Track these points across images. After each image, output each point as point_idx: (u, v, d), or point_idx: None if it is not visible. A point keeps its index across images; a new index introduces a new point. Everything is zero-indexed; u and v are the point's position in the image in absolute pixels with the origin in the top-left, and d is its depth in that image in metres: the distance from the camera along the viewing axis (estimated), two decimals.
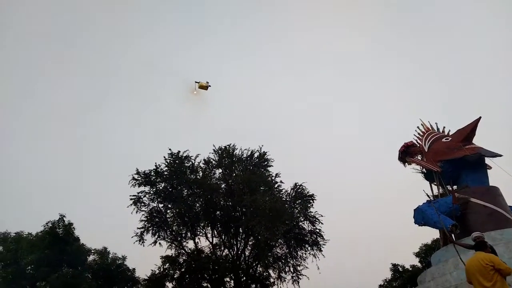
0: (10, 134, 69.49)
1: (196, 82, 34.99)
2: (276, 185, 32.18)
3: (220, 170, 32.24)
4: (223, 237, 31.40)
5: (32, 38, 70.72)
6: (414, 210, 15.20)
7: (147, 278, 31.45)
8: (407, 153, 17.60)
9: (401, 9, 76.12)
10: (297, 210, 31.32)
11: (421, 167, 17.09)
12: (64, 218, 33.86)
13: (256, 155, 32.84)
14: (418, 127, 18.51)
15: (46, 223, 32.85)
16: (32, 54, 72.71)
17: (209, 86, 34.96)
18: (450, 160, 15.69)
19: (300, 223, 31.26)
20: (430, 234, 34.92)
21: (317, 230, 31.01)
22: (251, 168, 32.27)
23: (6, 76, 71.42)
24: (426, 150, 17.13)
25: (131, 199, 30.21)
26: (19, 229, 35.62)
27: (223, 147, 32.73)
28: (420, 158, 17.36)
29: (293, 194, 31.83)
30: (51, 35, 73.15)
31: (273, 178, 32.41)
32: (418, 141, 18.01)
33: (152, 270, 30.96)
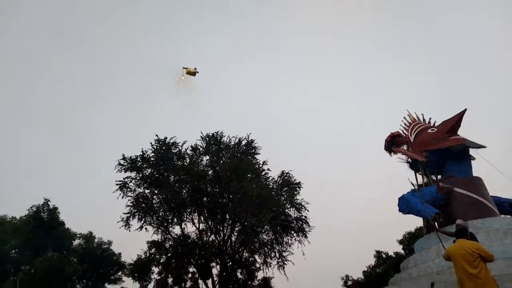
0: None
1: (183, 68, 34.62)
2: (263, 173, 32.34)
3: (208, 157, 32.17)
4: (210, 223, 31.54)
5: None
6: (399, 198, 15.49)
7: (132, 262, 31.53)
8: (393, 143, 17.82)
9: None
10: (283, 198, 31.57)
11: (407, 157, 17.35)
12: (49, 203, 33.73)
13: (243, 142, 32.86)
14: (404, 118, 18.74)
15: (31, 207, 32.72)
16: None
17: (197, 72, 34.61)
18: (435, 150, 15.97)
19: (287, 210, 31.56)
20: (414, 222, 35.64)
21: (303, 217, 31.39)
22: (239, 155, 32.31)
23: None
24: (412, 140, 17.38)
25: (117, 184, 30.01)
26: (3, 213, 35.26)
27: (211, 134, 32.63)
28: (406, 148, 17.61)
29: (280, 181, 32.05)
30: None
31: (260, 165, 32.53)
32: (404, 131, 18.24)
33: (138, 255, 31.02)
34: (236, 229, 31.18)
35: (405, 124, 18.57)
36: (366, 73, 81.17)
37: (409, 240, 36.27)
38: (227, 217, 30.67)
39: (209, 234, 31.84)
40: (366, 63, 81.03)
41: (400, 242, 38.66)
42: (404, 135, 18.06)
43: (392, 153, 18.09)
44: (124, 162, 30.28)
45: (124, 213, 29.90)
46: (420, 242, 15.83)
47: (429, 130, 17.00)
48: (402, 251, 37.83)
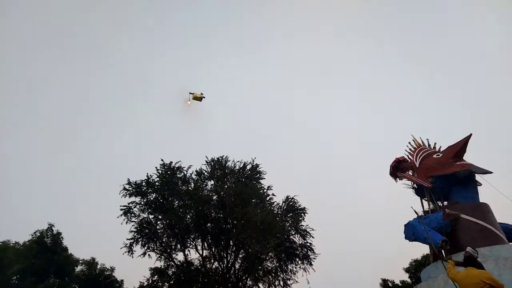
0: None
1: (190, 93, 35.11)
2: (268, 198, 32.14)
3: (212, 182, 32.10)
4: (213, 249, 31.12)
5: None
6: (405, 225, 15.25)
7: None
8: (398, 168, 17.71)
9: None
10: (288, 224, 31.25)
11: (412, 183, 17.20)
12: (53, 228, 33.55)
13: (248, 167, 32.81)
14: (409, 143, 18.68)
15: (34, 232, 32.57)
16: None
17: (204, 97, 35.07)
18: (441, 176, 15.82)
19: (291, 237, 31.19)
20: (421, 249, 34.97)
21: (308, 244, 30.97)
22: (243, 180, 32.19)
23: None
24: (417, 166, 17.26)
25: (121, 209, 29.95)
26: (6, 238, 35.12)
27: (216, 159, 32.67)
28: (411, 174, 17.48)
29: (285, 207, 31.80)
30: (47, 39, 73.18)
31: (265, 190, 32.38)
32: (410, 156, 18.15)
33: (140, 282, 30.47)
34: (240, 256, 30.71)
35: (410, 149, 18.50)
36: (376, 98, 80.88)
37: (416, 268, 35.50)
38: (231, 243, 30.28)
39: (212, 261, 31.34)
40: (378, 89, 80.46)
41: (407, 270, 37.83)
42: (409, 160, 17.96)
43: (398, 178, 17.96)
44: (129, 187, 30.34)
45: (127, 239, 29.71)
46: (427, 270, 15.46)
47: (435, 156, 16.90)
48: (409, 280, 36.97)
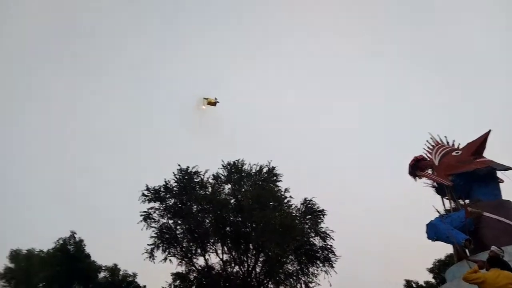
0: (19, 145, 70.50)
1: (204, 98, 35.28)
2: (285, 200, 32.02)
3: (229, 186, 32.23)
4: (234, 253, 31.19)
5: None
6: (427, 225, 14.99)
7: None
8: (417, 167, 17.43)
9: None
10: (307, 226, 31.12)
11: (432, 181, 16.90)
12: (75, 235, 34.09)
13: (265, 170, 32.79)
14: (427, 141, 18.35)
15: (57, 240, 33.11)
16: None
17: (218, 102, 35.21)
18: (461, 173, 15.50)
19: (311, 239, 31.02)
20: (444, 249, 34.29)
21: (328, 246, 30.75)
22: (260, 183, 32.19)
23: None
24: (437, 164, 16.95)
25: (141, 215, 30.34)
26: (31, 246, 35.82)
27: (232, 162, 32.74)
28: (430, 172, 17.19)
29: (303, 209, 31.65)
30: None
31: (282, 193, 32.27)
32: (428, 154, 17.84)
33: (162, 287, 30.81)
34: (260, 259, 30.69)
35: (428, 147, 18.18)
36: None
37: (440, 268, 34.83)
38: (251, 247, 30.33)
39: (233, 265, 31.42)
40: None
41: (430, 270, 37.17)
42: (428, 159, 17.66)
43: (417, 177, 17.68)
44: (147, 193, 30.71)
45: (148, 244, 30.06)
46: (451, 270, 15.15)
47: (454, 153, 16.55)
48: (433, 280, 36.33)
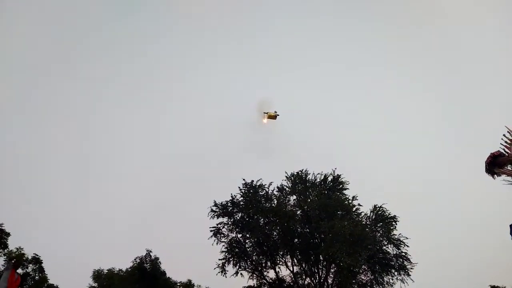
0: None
1: (264, 112, 35.68)
2: (354, 209, 31.14)
3: (295, 197, 32.03)
4: (304, 265, 30.77)
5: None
6: (510, 225, 13.80)
7: None
8: (495, 164, 16.15)
9: None
10: (379, 234, 30.04)
11: None
12: (151, 253, 35.52)
13: (329, 178, 32.24)
14: (504, 135, 17.00)
15: (135, 259, 34.63)
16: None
17: (278, 115, 35.44)
18: None
19: (384, 247, 29.82)
20: None
21: (403, 254, 29.34)
22: (326, 192, 31.69)
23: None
24: None
25: (211, 230, 31.03)
26: (111, 266, 37.84)
27: (296, 173, 32.58)
28: (510, 168, 15.86)
29: (373, 217, 30.59)
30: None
31: (350, 201, 31.43)
32: (506, 150, 16.49)
33: None
34: (332, 270, 29.97)
35: (505, 141, 16.81)
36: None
37: None
38: (321, 258, 29.74)
39: (304, 277, 30.96)
40: None
41: None
42: (507, 154, 16.34)
43: (495, 175, 16.39)
44: (216, 209, 31.41)
45: (219, 259, 30.58)
46: None
47: None
48: None
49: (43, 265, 31.94)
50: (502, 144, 17.54)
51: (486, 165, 17.51)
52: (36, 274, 31.86)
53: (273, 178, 32.92)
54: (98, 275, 37.51)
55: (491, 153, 17.57)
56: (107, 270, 37.64)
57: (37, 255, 31.76)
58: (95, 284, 37.42)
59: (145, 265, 34.87)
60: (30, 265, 31.52)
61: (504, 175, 16.52)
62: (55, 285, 32.54)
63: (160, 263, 36.12)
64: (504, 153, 17.13)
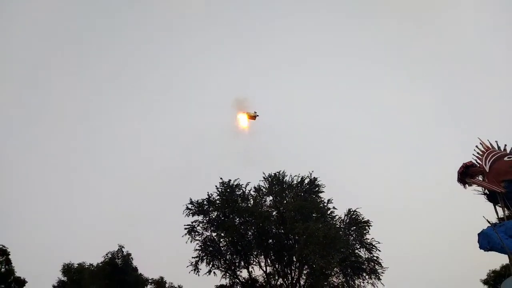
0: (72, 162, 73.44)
1: (244, 113, 35.66)
2: (329, 212, 31.56)
3: (271, 198, 32.20)
4: (277, 265, 30.98)
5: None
6: (478, 234, 14.25)
7: None
8: (466, 174, 16.65)
9: None
10: (352, 237, 30.50)
11: (483, 188, 16.09)
12: (123, 249, 35.00)
13: (306, 181, 32.54)
14: (476, 146, 17.54)
15: (106, 254, 34.05)
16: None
17: (257, 116, 35.48)
18: None
19: (356, 251, 30.32)
20: (499, 259, 32.37)
21: (375, 258, 29.91)
22: (302, 194, 31.96)
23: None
24: (487, 170, 16.12)
25: (185, 228, 30.84)
26: (81, 260, 37.10)
27: (273, 174, 32.77)
28: (481, 179, 16.37)
29: (347, 220, 31.07)
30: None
31: (325, 204, 31.85)
32: (478, 160, 17.02)
33: None
34: (304, 271, 30.28)
35: (478, 152, 17.35)
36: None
37: (495, 280, 32.91)
38: (294, 259, 30.00)
39: (276, 277, 31.17)
40: None
41: (485, 282, 35.16)
42: (478, 165, 16.84)
43: (467, 185, 16.89)
44: (191, 206, 31.24)
45: (192, 257, 30.44)
46: (508, 282, 14.30)
47: (506, 158, 15.70)
48: None
49: (10, 257, 31.04)
50: (474, 155, 18.11)
51: (458, 175, 18.07)
52: (3, 266, 30.91)
53: (251, 179, 33.00)
54: (68, 269, 36.60)
55: (463, 163, 18.12)
56: (78, 264, 36.85)
57: (4, 247, 30.84)
58: (65, 278, 36.56)
59: (116, 260, 34.33)
60: None
61: (475, 185, 17.07)
62: (22, 278, 31.63)
63: (132, 259, 35.62)
64: (476, 164, 17.69)
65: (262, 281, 30.97)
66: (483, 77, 71.87)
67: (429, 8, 72.22)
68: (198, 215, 31.20)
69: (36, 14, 70.02)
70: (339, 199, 33.05)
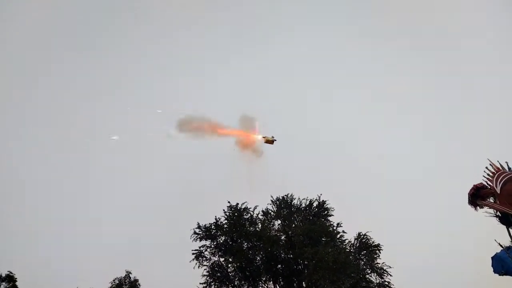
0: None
1: (262, 137, 35.67)
2: (338, 236, 31.07)
3: (279, 221, 31.86)
4: None
5: None
6: (492, 258, 13.81)
7: None
8: (477, 196, 16.32)
9: None
10: (362, 262, 29.91)
11: (495, 211, 15.73)
12: (130, 275, 34.69)
13: (315, 204, 32.24)
14: (486, 167, 17.23)
15: (113, 280, 33.75)
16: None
17: (275, 140, 35.34)
18: None
19: (367, 276, 29.67)
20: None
21: (386, 283, 29.21)
22: (311, 218, 31.63)
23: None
24: (499, 192, 15.76)
25: (193, 253, 30.53)
26: (89, 286, 36.72)
27: (281, 197, 32.52)
28: (492, 201, 16.03)
29: (357, 244, 30.55)
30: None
31: (334, 228, 31.39)
32: (489, 182, 16.70)
33: None
34: None
35: (488, 174, 17.04)
36: None
37: None
38: (304, 285, 29.38)
39: None
40: None
41: None
42: (489, 186, 16.52)
43: (478, 207, 16.54)
44: (199, 231, 31.00)
45: (200, 283, 29.98)
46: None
47: None
48: None
49: (17, 283, 30.89)
50: (484, 177, 17.75)
51: (469, 197, 17.65)
52: None
53: (259, 202, 32.73)
54: None
55: (474, 185, 17.72)
56: None
57: (12, 273, 30.75)
58: None
59: (124, 286, 34.00)
60: (3, 283, 30.46)
61: (487, 207, 16.68)
62: None
63: (140, 285, 35.25)
64: (487, 185, 17.32)
65: None
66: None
67: None
68: (206, 240, 30.93)
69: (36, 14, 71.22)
70: (348, 222, 32.63)
